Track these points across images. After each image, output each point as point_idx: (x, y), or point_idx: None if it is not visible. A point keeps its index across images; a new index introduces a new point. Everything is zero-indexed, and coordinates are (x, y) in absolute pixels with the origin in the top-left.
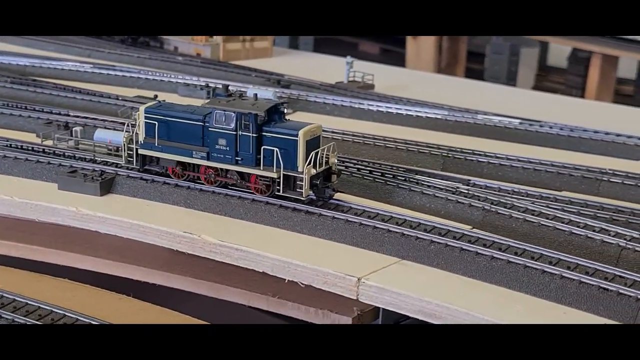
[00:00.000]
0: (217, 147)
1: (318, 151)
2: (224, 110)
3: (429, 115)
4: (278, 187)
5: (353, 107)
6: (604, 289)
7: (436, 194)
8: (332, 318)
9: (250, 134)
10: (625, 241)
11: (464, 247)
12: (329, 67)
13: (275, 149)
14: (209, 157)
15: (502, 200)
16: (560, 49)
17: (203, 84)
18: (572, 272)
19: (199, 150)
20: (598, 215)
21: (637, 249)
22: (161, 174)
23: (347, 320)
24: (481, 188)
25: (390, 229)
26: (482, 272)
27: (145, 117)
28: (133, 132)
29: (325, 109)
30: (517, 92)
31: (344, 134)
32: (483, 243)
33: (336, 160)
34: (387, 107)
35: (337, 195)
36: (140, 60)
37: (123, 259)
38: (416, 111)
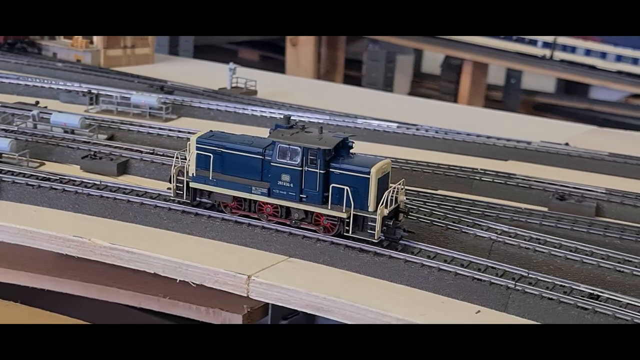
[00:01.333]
0: (280, 183)
1: (391, 190)
2: (289, 144)
3: (311, 120)
4: (347, 228)
5: (237, 113)
6: (478, 279)
7: None
8: (224, 316)
9: (317, 170)
10: (496, 234)
11: (348, 244)
12: (210, 74)
13: (345, 187)
14: (270, 194)
15: None
16: (434, 57)
17: (85, 90)
18: (448, 265)
19: (258, 185)
20: (471, 211)
21: (507, 241)
22: (213, 208)
23: (237, 317)
24: None
25: (279, 229)
26: (366, 267)
27: (198, 148)
28: (185, 164)
29: (209, 115)
30: (394, 98)
31: None
32: (367, 241)
33: (405, 198)
34: (270, 112)
35: None
36: (19, 66)
37: (10, 265)
38: (299, 116)
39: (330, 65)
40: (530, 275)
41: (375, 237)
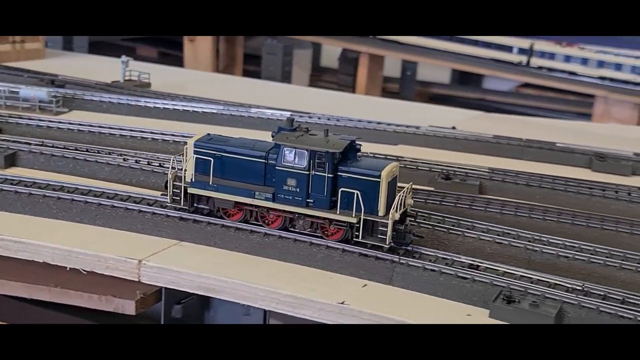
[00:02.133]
0: (285, 187)
1: (402, 194)
2: (295, 147)
3: (205, 110)
4: (356, 233)
5: (130, 105)
6: (364, 255)
7: None
8: (116, 303)
9: (325, 174)
10: None
11: (239, 227)
12: (104, 68)
13: (355, 191)
14: (275, 199)
15: None
16: (332, 50)
17: None
18: (337, 243)
19: (262, 190)
20: None
21: None
22: (211, 214)
23: (130, 304)
24: None
25: (169, 214)
26: (256, 248)
27: (196, 152)
28: (182, 169)
29: (102, 107)
30: (292, 89)
31: (121, 129)
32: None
33: (412, 202)
34: (163, 103)
35: None
36: None
37: None
38: (192, 107)
39: (229, 60)
40: (414, 250)
41: (387, 242)
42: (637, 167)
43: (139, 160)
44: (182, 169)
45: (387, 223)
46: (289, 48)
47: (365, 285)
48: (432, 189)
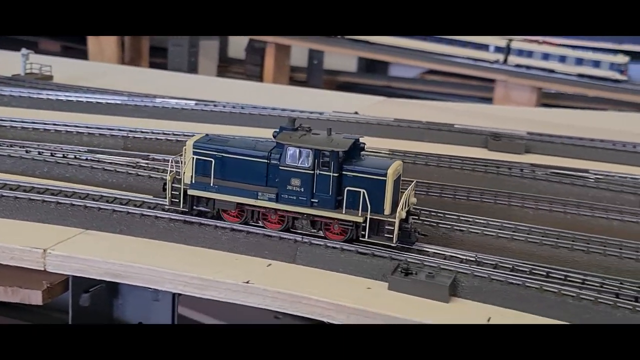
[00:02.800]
0: (289, 187)
1: (407, 192)
2: (299, 147)
3: (108, 102)
4: (363, 232)
5: (32, 98)
6: (268, 236)
7: (117, 170)
8: (22, 294)
9: (331, 174)
10: None
11: (144, 213)
12: (4, 61)
13: (361, 190)
14: (278, 199)
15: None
16: (239, 41)
17: None
18: (241, 225)
19: (265, 191)
20: None
21: None
22: (210, 216)
23: (37, 294)
24: (160, 161)
25: (74, 202)
26: (163, 233)
27: (196, 153)
28: (182, 170)
29: (3, 101)
30: (199, 79)
31: (23, 121)
32: (162, 208)
33: (416, 200)
34: (66, 96)
35: None
36: None
37: None
38: (96, 98)
39: (135, 53)
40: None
41: (394, 242)
42: (530, 146)
43: (42, 152)
44: (179, 171)
45: (394, 222)
46: (195, 39)
47: (270, 264)
48: None
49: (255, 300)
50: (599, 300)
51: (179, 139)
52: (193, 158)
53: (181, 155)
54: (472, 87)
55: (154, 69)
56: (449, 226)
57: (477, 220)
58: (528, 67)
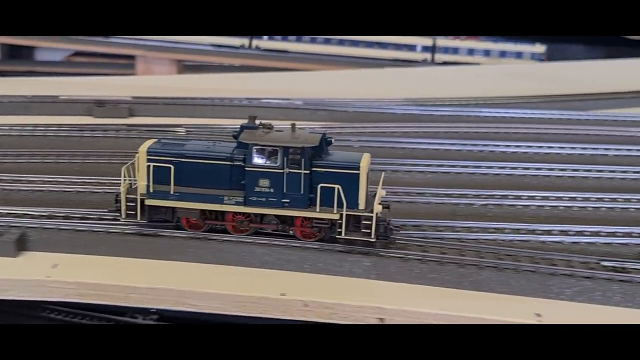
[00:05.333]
0: (257, 189)
1: (379, 186)
2: (265, 145)
3: None
4: (339, 230)
5: None
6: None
7: None
8: None
9: (301, 171)
10: None
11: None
12: None
13: (336, 186)
14: (246, 202)
15: None
16: None
17: None
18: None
19: (231, 195)
20: None
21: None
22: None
23: None
24: None
25: None
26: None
27: (150, 160)
28: (137, 179)
29: None
30: None
31: None
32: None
33: (385, 193)
34: None
35: None
36: None
37: None
38: None
39: None
40: None
41: (372, 237)
42: (134, 109)
43: None
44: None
45: (372, 217)
46: None
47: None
48: None
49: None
50: (159, 234)
51: None
52: (149, 165)
53: (134, 163)
54: (119, 66)
55: None
56: None
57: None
58: (455, 64)
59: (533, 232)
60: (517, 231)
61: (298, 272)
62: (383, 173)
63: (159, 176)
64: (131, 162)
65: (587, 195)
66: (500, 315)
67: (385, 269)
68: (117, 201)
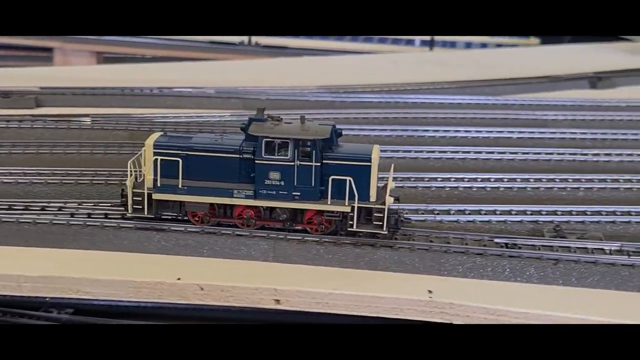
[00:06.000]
0: (267, 182)
1: (390, 177)
2: (276, 138)
3: None
4: (351, 222)
5: None
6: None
7: None
8: None
9: (312, 164)
10: None
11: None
12: None
13: (347, 178)
14: (256, 195)
15: None
16: None
17: None
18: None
19: (240, 188)
20: None
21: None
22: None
23: None
24: None
25: None
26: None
27: (157, 154)
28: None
29: None
30: None
31: None
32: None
33: (394, 185)
34: None
35: None
36: None
37: None
38: None
39: None
40: None
41: (384, 229)
42: (41, 99)
43: None
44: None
45: (384, 209)
46: None
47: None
48: None
49: None
50: (53, 222)
51: None
52: (156, 159)
53: (141, 156)
54: (36, 59)
55: None
56: None
57: None
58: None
59: (431, 212)
60: (415, 212)
61: (195, 257)
62: (392, 165)
63: (167, 170)
64: (136, 155)
65: (487, 175)
66: (394, 292)
67: (283, 251)
68: (123, 196)
